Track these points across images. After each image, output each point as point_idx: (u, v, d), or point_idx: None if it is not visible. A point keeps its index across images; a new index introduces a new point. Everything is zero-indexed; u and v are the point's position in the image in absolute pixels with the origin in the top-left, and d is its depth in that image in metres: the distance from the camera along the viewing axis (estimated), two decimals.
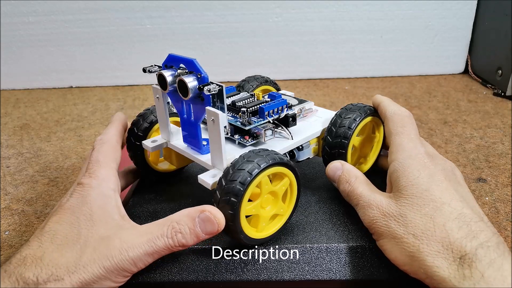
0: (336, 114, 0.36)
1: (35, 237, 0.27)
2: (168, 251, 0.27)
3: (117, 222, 0.28)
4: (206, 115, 0.29)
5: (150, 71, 0.31)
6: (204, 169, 0.31)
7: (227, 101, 0.36)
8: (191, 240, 0.27)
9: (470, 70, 0.95)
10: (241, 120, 0.34)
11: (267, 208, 0.31)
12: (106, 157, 0.32)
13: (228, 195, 0.27)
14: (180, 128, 0.34)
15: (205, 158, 0.32)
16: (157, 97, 0.33)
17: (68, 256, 0.25)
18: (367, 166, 0.39)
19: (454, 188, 0.29)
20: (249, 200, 0.28)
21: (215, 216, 0.27)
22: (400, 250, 0.27)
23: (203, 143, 0.32)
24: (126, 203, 0.37)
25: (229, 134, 0.34)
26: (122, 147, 0.37)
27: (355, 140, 0.36)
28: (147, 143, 0.35)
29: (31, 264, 0.25)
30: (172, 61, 0.31)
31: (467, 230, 0.25)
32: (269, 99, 0.36)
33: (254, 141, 0.34)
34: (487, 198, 0.45)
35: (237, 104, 0.35)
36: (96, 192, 0.29)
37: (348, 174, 0.33)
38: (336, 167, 0.34)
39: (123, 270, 0.26)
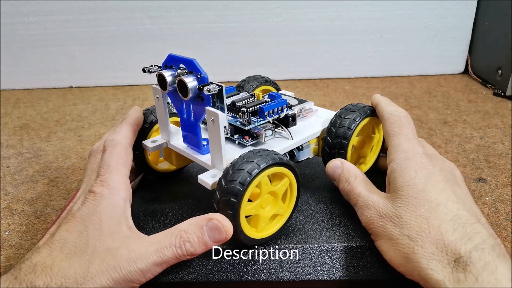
0: (335, 114, 0.36)
1: (45, 244, 0.27)
2: (177, 260, 0.27)
3: (124, 233, 0.28)
4: (206, 115, 0.29)
5: (150, 71, 0.31)
6: (204, 169, 0.31)
7: (227, 101, 0.36)
8: (199, 248, 0.27)
9: (470, 70, 0.95)
10: (241, 120, 0.34)
11: (267, 208, 0.31)
12: (118, 162, 0.31)
13: (228, 195, 0.27)
14: (180, 128, 0.34)
15: (205, 158, 0.32)
16: (157, 97, 0.33)
17: (77, 267, 0.25)
18: (367, 166, 0.39)
19: (451, 189, 0.28)
20: (249, 200, 0.28)
21: (223, 224, 0.27)
22: (395, 251, 0.27)
23: (203, 143, 0.32)
24: None
25: (229, 134, 0.34)
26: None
27: (354, 141, 0.36)
28: (147, 143, 0.35)
29: (41, 272, 0.25)
30: (172, 61, 0.31)
31: (462, 232, 0.25)
32: (269, 99, 0.36)
33: (254, 141, 0.34)
34: (487, 198, 0.45)
35: (237, 104, 0.35)
36: (107, 202, 0.28)
37: (347, 173, 0.33)
38: (336, 165, 0.34)
39: (131, 281, 0.26)
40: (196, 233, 0.27)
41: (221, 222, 0.27)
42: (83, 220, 0.27)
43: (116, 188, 0.29)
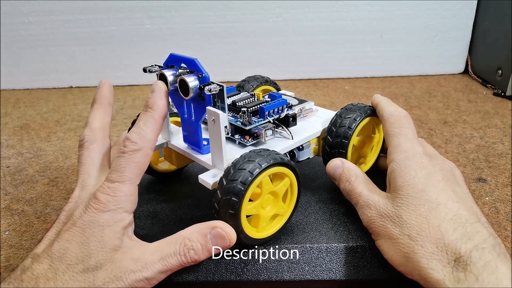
0: (336, 114, 0.36)
1: (45, 253, 0.26)
2: (181, 267, 0.27)
3: (126, 244, 0.27)
4: (206, 115, 0.29)
5: (150, 71, 0.32)
6: (204, 169, 0.31)
7: (228, 101, 0.36)
8: (203, 255, 0.27)
9: (470, 70, 0.95)
10: (241, 120, 0.34)
11: (268, 208, 0.31)
12: (134, 171, 0.28)
13: (229, 194, 0.27)
14: (180, 128, 0.34)
15: (205, 158, 0.32)
16: None
17: (81, 280, 0.25)
18: (367, 166, 0.39)
19: (451, 188, 0.28)
20: (250, 200, 0.28)
21: (226, 232, 0.27)
22: (395, 251, 0.27)
23: (203, 143, 0.32)
24: None
25: (230, 134, 0.34)
26: None
27: (355, 140, 0.36)
28: None
29: (44, 285, 0.24)
30: (173, 61, 0.31)
31: (462, 231, 0.25)
32: (269, 99, 0.36)
33: (255, 141, 0.34)
34: (487, 198, 0.45)
35: (237, 104, 0.35)
36: (110, 215, 0.27)
37: (348, 172, 0.33)
38: (336, 165, 0.34)
39: None
40: (200, 241, 0.27)
41: (225, 230, 0.27)
42: (83, 230, 0.27)
43: (123, 201, 0.28)
